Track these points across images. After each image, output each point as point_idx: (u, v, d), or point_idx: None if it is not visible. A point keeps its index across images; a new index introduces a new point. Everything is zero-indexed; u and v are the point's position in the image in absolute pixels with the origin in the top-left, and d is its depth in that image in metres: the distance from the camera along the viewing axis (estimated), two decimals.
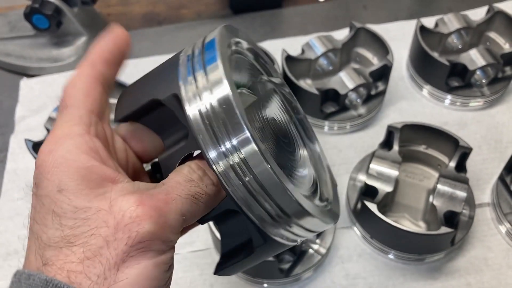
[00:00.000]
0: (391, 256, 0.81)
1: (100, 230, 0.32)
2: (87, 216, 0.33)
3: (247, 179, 0.36)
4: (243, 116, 0.35)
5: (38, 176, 0.35)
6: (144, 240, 0.32)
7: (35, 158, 0.84)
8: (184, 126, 0.38)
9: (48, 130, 0.90)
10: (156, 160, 0.45)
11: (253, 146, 0.35)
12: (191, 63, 0.38)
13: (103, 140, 0.38)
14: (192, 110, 0.37)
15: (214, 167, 0.37)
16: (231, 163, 0.36)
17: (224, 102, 0.36)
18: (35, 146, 0.86)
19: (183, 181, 0.36)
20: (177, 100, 0.38)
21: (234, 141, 0.35)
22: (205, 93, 0.36)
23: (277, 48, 1.02)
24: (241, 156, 0.35)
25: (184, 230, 0.38)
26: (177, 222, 0.35)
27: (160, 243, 0.34)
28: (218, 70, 0.37)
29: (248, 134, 0.35)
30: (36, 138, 0.89)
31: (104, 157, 0.36)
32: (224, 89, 0.36)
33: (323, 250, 0.78)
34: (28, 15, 1.00)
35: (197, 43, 0.41)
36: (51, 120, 0.90)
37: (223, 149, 0.36)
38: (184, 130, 0.41)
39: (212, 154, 0.36)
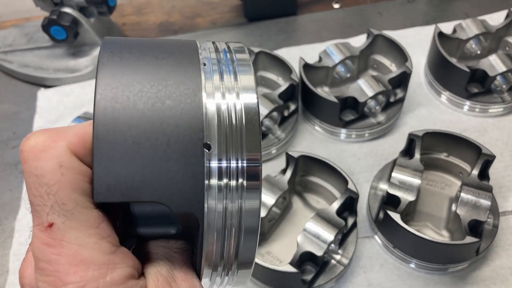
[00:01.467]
0: (413, 265, 0.80)
1: None
2: None
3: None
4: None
5: None
6: None
7: None
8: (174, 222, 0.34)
9: None
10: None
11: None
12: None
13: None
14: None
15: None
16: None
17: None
18: None
19: None
20: (193, 216, 0.32)
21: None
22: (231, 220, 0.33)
23: (293, 55, 1.02)
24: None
25: None
26: None
27: None
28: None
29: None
30: None
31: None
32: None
33: (345, 261, 0.77)
34: (46, 26, 1.01)
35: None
36: None
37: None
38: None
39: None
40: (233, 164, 0.32)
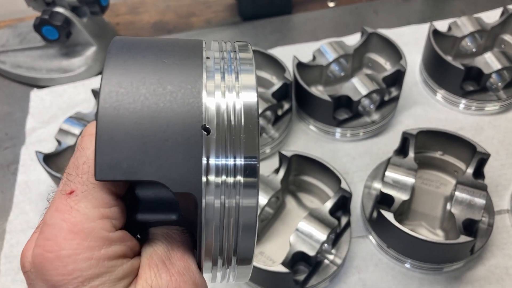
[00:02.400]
0: (408, 265, 0.79)
1: None
2: None
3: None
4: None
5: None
6: None
7: (46, 170, 0.84)
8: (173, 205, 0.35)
9: (58, 142, 0.89)
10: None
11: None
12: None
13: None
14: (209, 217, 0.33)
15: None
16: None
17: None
18: (46, 158, 0.85)
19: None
20: (191, 198, 0.33)
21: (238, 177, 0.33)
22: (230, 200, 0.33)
23: (287, 54, 1.01)
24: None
25: None
26: None
27: None
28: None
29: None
30: (47, 149, 0.89)
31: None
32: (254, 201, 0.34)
33: (338, 261, 0.77)
34: (38, 26, 1.00)
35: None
36: (61, 131, 0.90)
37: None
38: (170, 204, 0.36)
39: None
40: (231, 161, 0.33)
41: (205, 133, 0.32)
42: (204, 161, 0.32)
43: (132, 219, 0.35)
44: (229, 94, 0.34)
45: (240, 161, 0.33)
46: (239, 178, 0.33)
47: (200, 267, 0.36)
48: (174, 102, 0.32)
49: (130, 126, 0.32)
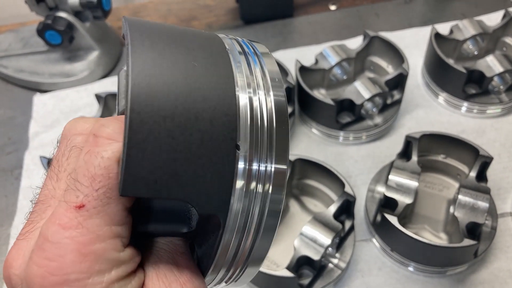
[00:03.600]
0: (411, 268, 0.79)
1: None
2: None
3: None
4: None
5: None
6: None
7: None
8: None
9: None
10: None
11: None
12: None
13: None
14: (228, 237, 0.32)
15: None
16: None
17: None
18: (50, 163, 0.85)
19: None
20: (215, 218, 0.31)
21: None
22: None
23: (289, 58, 1.01)
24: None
25: None
26: None
27: None
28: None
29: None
30: (50, 154, 0.89)
31: None
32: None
33: (343, 264, 0.77)
34: (41, 31, 1.00)
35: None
36: None
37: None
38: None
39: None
40: (262, 167, 0.31)
41: (238, 152, 0.30)
42: (237, 185, 0.30)
43: (138, 231, 0.33)
44: (260, 91, 0.31)
45: (271, 167, 0.31)
46: (268, 185, 0.31)
47: (203, 273, 0.34)
48: (208, 112, 0.29)
49: (163, 139, 0.28)
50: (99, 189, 0.29)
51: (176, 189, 0.29)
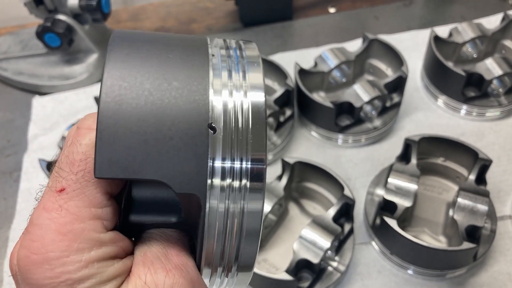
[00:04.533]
0: (411, 272, 0.79)
1: None
2: None
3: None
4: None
5: None
6: None
7: (49, 177, 0.84)
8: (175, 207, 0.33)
9: (61, 149, 0.89)
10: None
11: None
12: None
13: None
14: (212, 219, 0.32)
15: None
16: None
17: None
18: (49, 166, 0.85)
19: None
20: (195, 200, 0.31)
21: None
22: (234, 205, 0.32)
23: (288, 60, 1.01)
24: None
25: None
26: None
27: None
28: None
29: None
30: (49, 157, 0.89)
31: None
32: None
33: (342, 268, 0.77)
34: (40, 33, 1.00)
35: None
36: (64, 139, 0.90)
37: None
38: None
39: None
40: (237, 164, 0.31)
41: (212, 132, 0.31)
42: (210, 162, 0.31)
43: (127, 221, 0.34)
44: (237, 93, 0.33)
45: (246, 164, 0.31)
46: (245, 182, 0.31)
47: (199, 270, 0.34)
48: (180, 99, 0.31)
49: (133, 122, 0.30)
50: (78, 173, 0.31)
51: (150, 170, 0.30)
